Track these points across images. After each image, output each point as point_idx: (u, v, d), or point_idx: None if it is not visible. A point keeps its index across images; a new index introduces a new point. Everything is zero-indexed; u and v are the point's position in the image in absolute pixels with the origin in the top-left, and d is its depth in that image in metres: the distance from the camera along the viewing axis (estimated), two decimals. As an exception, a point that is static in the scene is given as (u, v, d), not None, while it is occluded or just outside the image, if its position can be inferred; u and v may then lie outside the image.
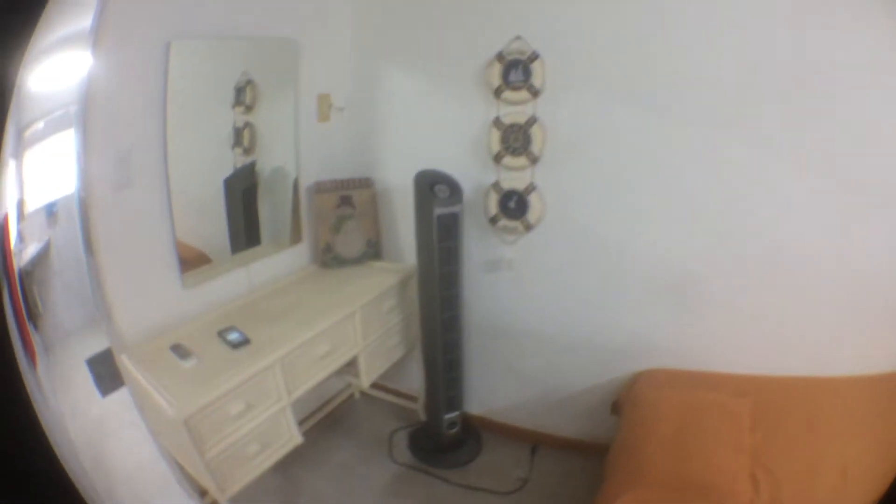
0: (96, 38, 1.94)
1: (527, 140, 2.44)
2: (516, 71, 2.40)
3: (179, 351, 2.22)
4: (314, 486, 2.89)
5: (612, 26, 2.21)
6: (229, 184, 2.59)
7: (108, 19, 1.98)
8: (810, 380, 2.15)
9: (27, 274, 3.93)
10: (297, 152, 2.80)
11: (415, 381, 3.05)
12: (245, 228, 2.72)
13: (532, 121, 2.42)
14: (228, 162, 2.60)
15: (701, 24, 2.01)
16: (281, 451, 2.36)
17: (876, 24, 1.82)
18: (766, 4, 1.92)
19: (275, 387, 2.26)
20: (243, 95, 2.59)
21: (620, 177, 2.33)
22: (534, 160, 2.45)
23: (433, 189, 2.50)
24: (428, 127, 2.76)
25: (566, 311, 2.57)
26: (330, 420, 3.22)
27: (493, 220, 2.60)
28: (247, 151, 2.65)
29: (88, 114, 1.97)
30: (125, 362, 2.16)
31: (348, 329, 2.59)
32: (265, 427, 2.25)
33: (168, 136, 2.25)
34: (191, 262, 2.44)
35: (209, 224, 2.58)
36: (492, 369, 2.91)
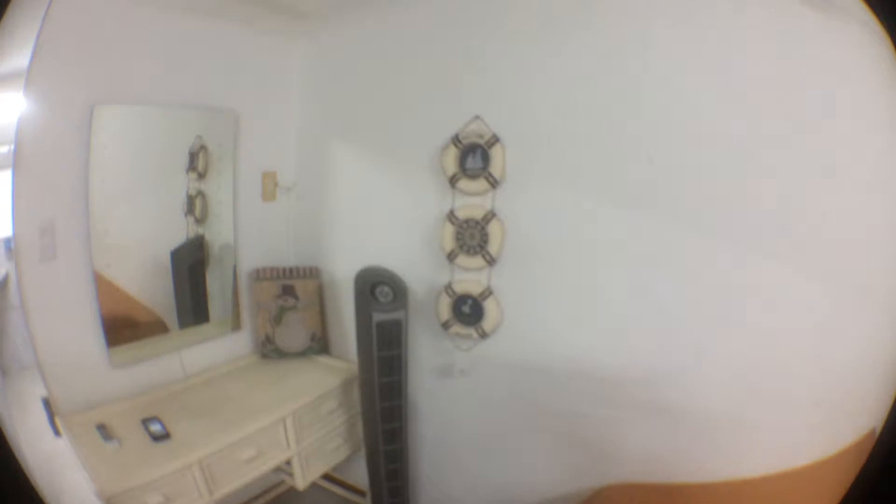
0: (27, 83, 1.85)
1: (484, 238, 2.21)
2: (474, 156, 2.18)
3: (104, 431, 2.08)
4: None
5: (582, 108, 2.01)
6: (177, 256, 2.41)
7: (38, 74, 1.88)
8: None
9: None
10: (235, 234, 2.60)
11: (364, 475, 2.76)
12: (192, 304, 2.53)
13: (490, 216, 2.19)
14: (181, 230, 2.44)
15: (682, 112, 1.80)
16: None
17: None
18: (742, 96, 1.74)
19: (194, 485, 2.05)
20: (196, 161, 2.42)
21: (586, 280, 2.10)
22: (490, 261, 2.22)
23: (374, 291, 2.28)
24: (379, 215, 2.57)
25: (526, 420, 2.31)
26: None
27: (446, 326, 2.36)
28: (199, 222, 2.47)
29: (18, 170, 1.86)
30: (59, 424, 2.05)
31: (279, 433, 2.32)
32: None
33: (93, 206, 2.09)
34: (128, 334, 2.29)
35: (160, 295, 2.41)
36: (443, 478, 2.65)
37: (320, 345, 2.74)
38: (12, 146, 1.83)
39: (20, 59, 1.85)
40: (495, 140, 2.14)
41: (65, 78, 1.96)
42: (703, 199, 1.84)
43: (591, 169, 2.02)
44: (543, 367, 2.22)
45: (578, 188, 2.06)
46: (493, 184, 2.16)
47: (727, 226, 1.80)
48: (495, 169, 2.14)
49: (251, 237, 2.66)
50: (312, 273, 2.72)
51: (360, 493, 2.95)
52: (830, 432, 1.72)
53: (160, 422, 2.13)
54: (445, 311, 2.34)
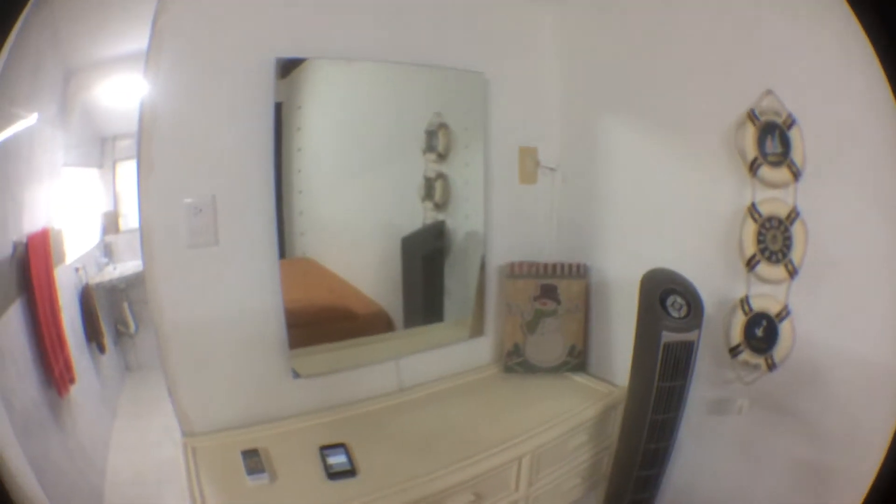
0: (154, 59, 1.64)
1: (786, 243, 1.72)
2: (772, 139, 1.72)
3: (252, 460, 1.75)
4: None
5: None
6: (408, 244, 2.17)
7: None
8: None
9: (114, 290, 3.92)
10: (486, 220, 2.26)
11: None
12: (423, 302, 2.27)
13: (793, 215, 1.72)
14: (415, 216, 2.20)
15: None
16: None
17: None
18: None
19: None
20: (435, 141, 2.16)
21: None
22: (793, 273, 1.72)
23: (664, 302, 1.79)
24: (660, 206, 2.08)
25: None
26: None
27: (734, 352, 1.84)
28: (438, 207, 2.21)
29: (150, 148, 1.68)
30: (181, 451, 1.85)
31: (509, 473, 1.89)
32: None
33: (289, 179, 1.89)
34: (317, 333, 2.05)
35: (385, 272, 2.18)
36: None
37: (579, 360, 2.31)
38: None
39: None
40: (792, 121, 1.69)
41: (245, 24, 1.74)
42: None
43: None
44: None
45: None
46: (796, 174, 1.69)
47: None
48: (797, 155, 1.68)
49: (504, 225, 2.33)
50: (580, 272, 2.29)
51: None
52: None
53: (346, 451, 1.79)
54: (737, 333, 1.82)
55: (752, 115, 1.75)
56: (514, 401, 2.15)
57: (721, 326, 1.86)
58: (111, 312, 4.11)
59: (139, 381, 4.05)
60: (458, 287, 2.31)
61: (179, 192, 1.72)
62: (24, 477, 2.03)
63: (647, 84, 2.06)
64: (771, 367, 1.77)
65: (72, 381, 3.12)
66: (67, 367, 3.08)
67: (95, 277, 3.54)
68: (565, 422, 2.00)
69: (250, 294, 1.89)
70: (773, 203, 1.76)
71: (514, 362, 2.30)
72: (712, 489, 2.02)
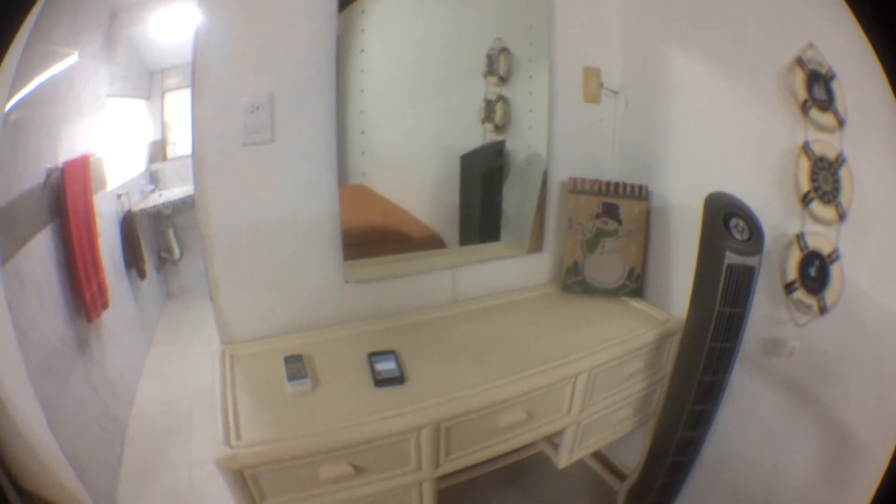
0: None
1: (836, 185, 1.66)
2: (818, 86, 1.68)
3: (296, 365, 1.71)
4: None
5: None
6: (468, 162, 2.15)
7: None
8: None
9: (159, 216, 3.92)
10: (549, 136, 2.21)
11: (631, 452, 2.32)
12: (480, 220, 2.27)
13: (839, 160, 1.65)
14: (475, 137, 2.18)
15: None
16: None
17: None
18: None
19: (414, 454, 1.63)
20: (496, 64, 2.14)
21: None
22: (842, 216, 1.66)
23: (728, 223, 1.73)
24: (720, 136, 2.00)
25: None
26: (508, 471, 2.61)
27: (790, 288, 1.77)
28: (498, 129, 2.19)
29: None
30: (217, 356, 1.82)
31: (562, 394, 1.86)
32: (379, 498, 1.64)
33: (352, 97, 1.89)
34: (376, 249, 2.06)
35: (440, 195, 2.18)
36: (725, 477, 2.08)
37: (637, 285, 2.27)
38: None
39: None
40: (832, 75, 1.66)
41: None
42: None
43: None
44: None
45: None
46: (840, 122, 1.65)
47: None
48: (839, 106, 1.66)
49: (567, 143, 2.27)
50: (641, 193, 2.22)
51: (619, 475, 2.49)
52: None
53: (395, 358, 1.76)
54: (793, 270, 1.75)
55: (800, 61, 1.70)
56: (571, 320, 2.12)
57: (776, 262, 1.79)
58: (154, 239, 4.12)
59: (181, 307, 4.06)
60: (515, 209, 2.30)
61: (236, 92, 1.70)
62: (32, 419, 2.03)
63: (709, 17, 1.95)
64: (822, 309, 1.71)
65: (105, 306, 3.11)
66: (101, 291, 3.07)
67: (139, 204, 3.52)
68: (622, 344, 1.95)
69: (305, 196, 1.88)
70: (823, 144, 1.69)
71: (573, 281, 2.27)
72: (759, 431, 1.96)
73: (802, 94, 1.69)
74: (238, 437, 1.46)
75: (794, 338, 1.79)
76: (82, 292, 2.81)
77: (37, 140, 2.42)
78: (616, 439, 2.12)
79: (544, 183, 2.25)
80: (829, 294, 1.70)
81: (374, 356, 1.77)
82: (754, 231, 1.73)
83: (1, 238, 1.93)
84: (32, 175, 2.42)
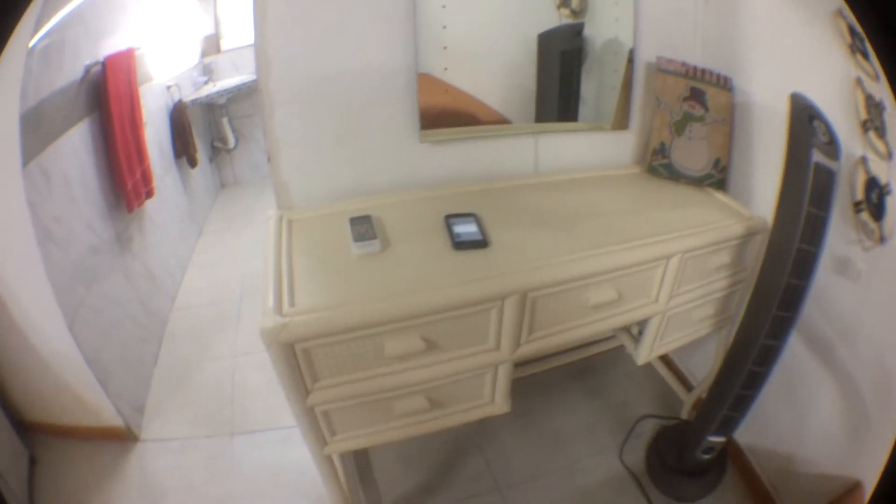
0: None
1: (882, 125, 1.60)
2: (857, 39, 1.61)
3: (360, 226, 1.58)
4: (509, 452, 2.32)
5: None
6: (546, 41, 1.99)
7: None
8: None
9: (213, 106, 3.84)
10: (636, 11, 2.05)
11: (701, 363, 2.25)
12: (559, 101, 2.10)
13: (881, 106, 1.60)
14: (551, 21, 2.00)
15: None
16: (466, 416, 1.64)
17: None
18: None
19: (494, 329, 1.50)
20: None
21: None
22: (889, 154, 1.60)
23: (812, 123, 1.61)
24: (793, 46, 1.84)
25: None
26: (577, 366, 2.54)
27: (857, 207, 1.68)
28: (575, 14, 2.02)
29: None
30: (273, 221, 1.69)
31: (652, 277, 1.73)
32: (446, 382, 1.53)
33: None
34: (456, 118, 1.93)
35: (512, 82, 2.02)
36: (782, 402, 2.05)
37: (721, 177, 2.12)
38: None
39: None
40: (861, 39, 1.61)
41: None
42: None
43: None
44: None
45: None
46: (876, 75, 1.58)
47: None
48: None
49: (650, 24, 2.08)
50: (726, 84, 2.07)
51: (686, 385, 2.43)
52: None
53: (476, 221, 1.63)
54: (860, 190, 1.66)
55: (840, 13, 1.64)
56: (658, 201, 1.98)
57: (846, 179, 1.67)
58: (208, 130, 4.07)
59: (234, 196, 3.98)
60: (592, 95, 2.14)
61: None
62: (46, 324, 2.01)
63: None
64: (881, 238, 1.62)
65: (149, 195, 3.02)
66: (146, 179, 2.99)
67: (191, 95, 3.44)
68: (712, 232, 1.79)
69: (379, 45, 1.74)
70: (870, 85, 1.60)
71: (659, 163, 2.14)
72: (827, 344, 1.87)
73: (848, 38, 1.63)
74: (292, 303, 1.35)
75: (862, 261, 1.67)
76: (123, 181, 2.73)
77: (74, 42, 2.31)
78: (693, 340, 2.00)
79: (630, 61, 2.10)
80: (887, 224, 1.60)
81: (451, 218, 1.67)
82: (834, 139, 1.61)
83: (25, 138, 1.84)
84: (68, 74, 2.31)
